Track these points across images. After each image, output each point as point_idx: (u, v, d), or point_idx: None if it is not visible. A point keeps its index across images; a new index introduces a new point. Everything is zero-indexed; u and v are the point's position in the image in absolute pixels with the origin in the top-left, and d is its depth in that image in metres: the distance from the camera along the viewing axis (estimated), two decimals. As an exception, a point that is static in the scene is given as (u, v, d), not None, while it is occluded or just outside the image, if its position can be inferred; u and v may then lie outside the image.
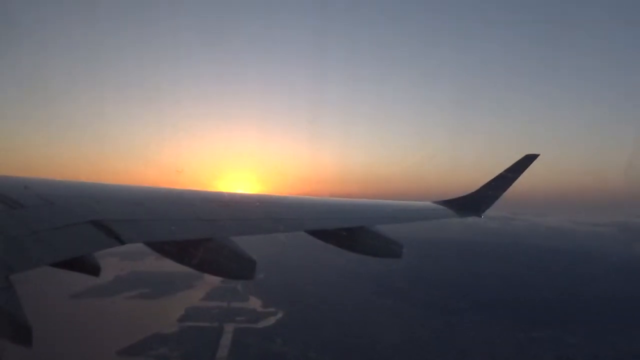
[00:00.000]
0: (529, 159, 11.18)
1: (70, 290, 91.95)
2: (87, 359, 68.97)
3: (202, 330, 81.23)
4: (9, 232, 3.87)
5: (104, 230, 4.44)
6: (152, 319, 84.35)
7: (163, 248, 5.53)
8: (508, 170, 11.27)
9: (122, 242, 4.36)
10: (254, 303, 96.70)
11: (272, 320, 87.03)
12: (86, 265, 6.27)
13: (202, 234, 5.50)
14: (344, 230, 7.66)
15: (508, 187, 11.31)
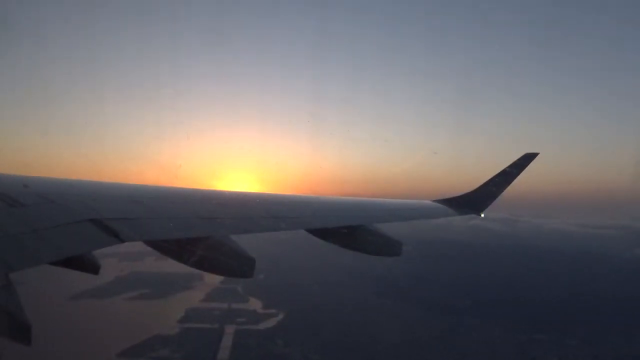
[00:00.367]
0: (528, 158, 11.22)
1: (70, 290, 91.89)
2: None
3: (202, 331, 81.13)
4: (8, 230, 3.86)
5: (103, 228, 4.42)
6: (152, 320, 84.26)
7: (162, 246, 5.54)
8: (507, 169, 11.31)
9: (121, 240, 4.34)
10: (255, 304, 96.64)
11: (272, 322, 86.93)
12: (85, 264, 6.27)
13: (202, 232, 5.48)
14: (344, 228, 7.67)
15: (507, 185, 11.33)
